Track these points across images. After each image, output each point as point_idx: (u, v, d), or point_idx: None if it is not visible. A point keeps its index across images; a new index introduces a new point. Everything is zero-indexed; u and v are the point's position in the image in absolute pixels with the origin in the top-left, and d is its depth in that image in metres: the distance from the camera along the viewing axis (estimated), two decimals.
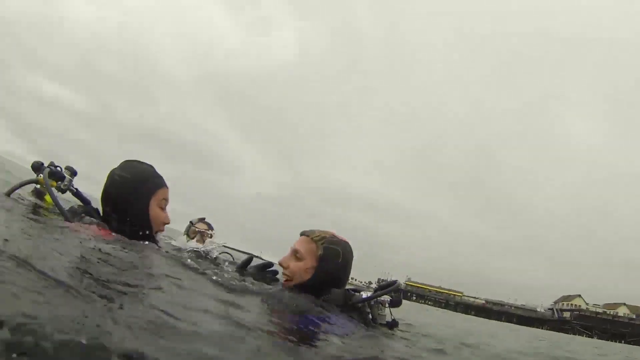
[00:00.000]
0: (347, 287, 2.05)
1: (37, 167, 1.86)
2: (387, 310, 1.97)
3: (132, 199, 1.84)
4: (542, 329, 47.46)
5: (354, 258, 2.04)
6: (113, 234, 1.74)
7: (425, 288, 66.35)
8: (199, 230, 3.34)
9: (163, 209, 1.96)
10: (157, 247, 1.90)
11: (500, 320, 50.81)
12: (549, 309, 56.98)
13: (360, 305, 1.90)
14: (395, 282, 1.98)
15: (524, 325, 47.27)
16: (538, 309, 57.56)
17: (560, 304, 55.69)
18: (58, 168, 1.92)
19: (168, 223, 1.98)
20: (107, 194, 1.86)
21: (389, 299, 1.96)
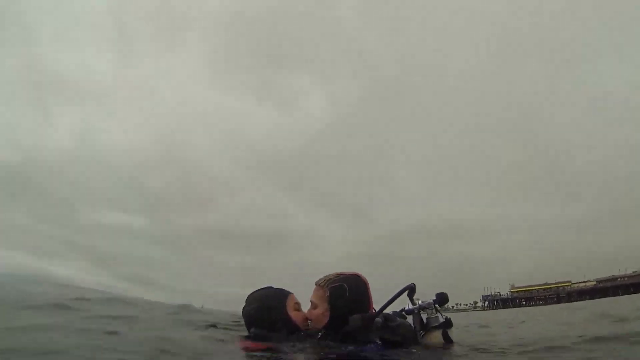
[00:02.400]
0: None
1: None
2: (435, 311, 2.08)
3: (274, 319, 2.24)
4: None
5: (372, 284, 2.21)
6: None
7: (532, 289, 65.30)
8: None
9: (299, 310, 2.35)
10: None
11: (618, 295, 49.84)
12: None
13: (380, 321, 2.03)
14: (409, 285, 2.09)
15: None
16: None
17: None
18: None
19: (310, 318, 2.30)
20: (253, 326, 2.32)
21: (433, 298, 2.08)
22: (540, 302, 59.94)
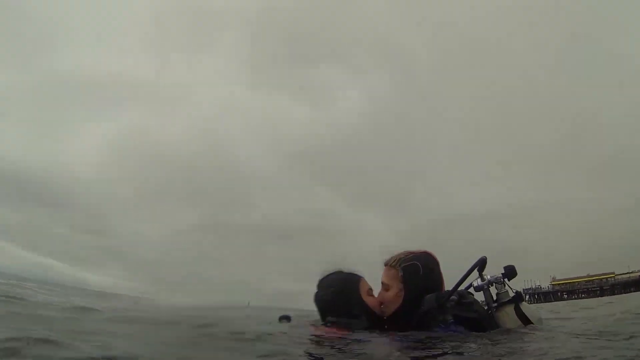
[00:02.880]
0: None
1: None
2: (506, 286, 2.02)
3: (350, 304, 2.15)
4: None
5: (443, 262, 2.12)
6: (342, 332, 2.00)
7: (574, 282, 63.43)
8: None
9: (372, 295, 2.26)
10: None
11: None
12: None
13: (455, 298, 1.93)
14: (480, 258, 1.99)
15: None
16: None
17: None
18: None
19: (382, 301, 2.22)
20: (328, 312, 2.19)
21: (502, 272, 2.03)
22: (583, 295, 58.41)
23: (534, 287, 68.00)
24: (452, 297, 1.96)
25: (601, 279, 61.35)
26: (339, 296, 2.18)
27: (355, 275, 2.30)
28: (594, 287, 60.22)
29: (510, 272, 2.04)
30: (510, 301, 2.02)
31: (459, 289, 2.04)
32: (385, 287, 2.17)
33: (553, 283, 66.52)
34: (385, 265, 2.22)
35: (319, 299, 2.28)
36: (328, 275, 2.32)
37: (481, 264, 2.03)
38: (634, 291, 50.34)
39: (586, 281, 62.51)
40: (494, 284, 2.05)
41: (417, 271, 2.08)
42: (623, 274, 59.97)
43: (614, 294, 50.69)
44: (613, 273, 61.03)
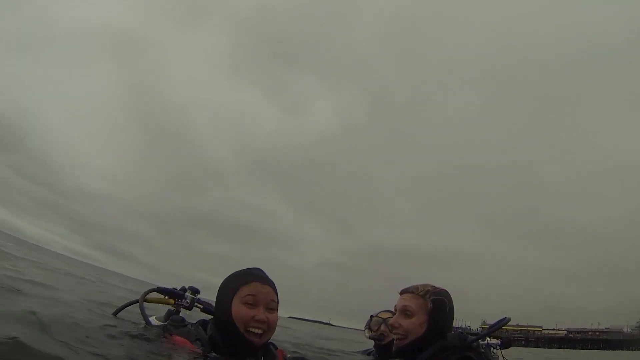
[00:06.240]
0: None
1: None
2: (498, 352, 2.22)
3: (218, 302, 1.82)
4: (632, 349, 45.53)
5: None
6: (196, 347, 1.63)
7: (502, 329, 65.12)
8: (382, 318, 2.85)
9: (251, 305, 1.75)
10: None
11: (587, 348, 49.14)
12: (636, 327, 54.01)
13: (475, 345, 2.02)
14: (504, 318, 2.05)
15: (613, 349, 45.93)
16: (624, 330, 54.73)
17: None
18: (180, 289, 2.12)
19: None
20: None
21: (499, 342, 2.23)
22: None
23: (464, 326, 67.70)
24: (474, 343, 2.04)
25: (528, 331, 62.70)
26: (219, 291, 1.86)
27: (248, 277, 1.82)
28: (520, 337, 61.20)
29: (506, 343, 2.27)
30: None
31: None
32: (409, 313, 2.06)
33: (482, 327, 66.76)
34: (408, 292, 2.13)
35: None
36: (245, 269, 1.93)
37: (504, 323, 2.09)
38: (557, 347, 50.94)
39: (514, 330, 63.48)
40: (491, 347, 2.29)
41: (444, 307, 2.05)
42: (549, 329, 61.52)
43: (537, 347, 51.02)
44: (540, 327, 62.47)
